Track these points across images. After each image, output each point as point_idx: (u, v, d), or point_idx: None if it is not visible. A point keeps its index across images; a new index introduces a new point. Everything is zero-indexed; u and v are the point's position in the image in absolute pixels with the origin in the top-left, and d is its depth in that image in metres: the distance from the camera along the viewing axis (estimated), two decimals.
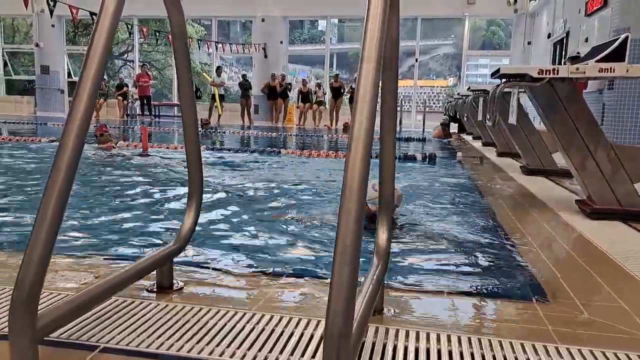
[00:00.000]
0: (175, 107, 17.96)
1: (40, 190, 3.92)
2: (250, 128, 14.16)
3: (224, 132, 12.16)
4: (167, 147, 7.81)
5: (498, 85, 3.52)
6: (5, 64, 19.84)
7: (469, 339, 1.47)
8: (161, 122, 16.65)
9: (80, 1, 12.95)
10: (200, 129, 7.63)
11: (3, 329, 1.41)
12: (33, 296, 1.10)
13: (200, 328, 1.48)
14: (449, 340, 1.45)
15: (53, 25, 18.26)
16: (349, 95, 16.15)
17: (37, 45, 18.57)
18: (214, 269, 2.09)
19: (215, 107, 16.45)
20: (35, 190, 4.01)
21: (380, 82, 1.15)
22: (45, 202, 1.14)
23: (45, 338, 1.21)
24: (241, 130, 12.98)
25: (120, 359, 1.30)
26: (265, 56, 17.80)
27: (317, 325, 1.51)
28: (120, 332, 1.43)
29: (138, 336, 1.41)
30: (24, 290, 1.09)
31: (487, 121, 4.05)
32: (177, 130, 12.48)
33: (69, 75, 19.16)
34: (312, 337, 1.45)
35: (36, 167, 5.35)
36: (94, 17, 13.28)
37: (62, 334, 1.38)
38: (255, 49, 17.85)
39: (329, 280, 1.90)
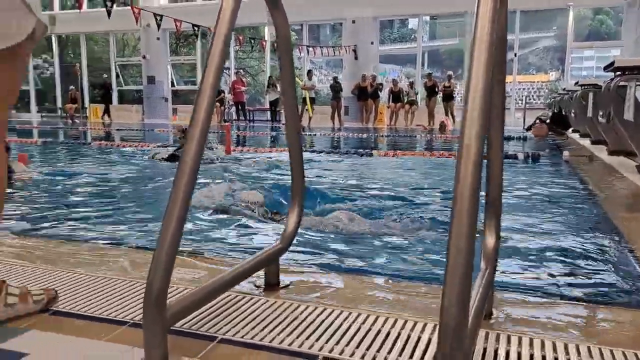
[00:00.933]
0: (268, 112, 18.57)
1: (156, 192, 4.23)
2: (341, 130, 14.30)
3: (315, 135, 12.38)
4: (255, 150, 8.08)
5: (612, 79, 3.27)
6: (117, 76, 21.62)
7: (589, 348, 1.39)
8: (255, 127, 17.32)
9: (183, 15, 13.81)
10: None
11: (136, 317, 1.55)
12: (162, 291, 1.20)
13: (308, 325, 1.53)
14: (566, 349, 1.38)
15: (158, 38, 19.63)
16: (441, 94, 15.83)
17: (144, 57, 20.06)
18: (317, 267, 2.15)
19: (306, 110, 16.79)
20: (152, 193, 4.35)
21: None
22: (171, 204, 1.23)
23: (170, 327, 1.31)
24: (332, 132, 13.15)
25: (237, 349, 1.38)
26: (356, 58, 17.88)
27: (423, 328, 1.51)
28: (235, 325, 1.51)
29: (252, 329, 1.49)
30: (155, 286, 1.19)
31: (599, 118, 3.78)
32: (269, 134, 12.91)
33: (172, 84, 20.47)
34: (419, 339, 1.44)
35: (152, 171, 5.78)
36: (195, 28, 14.20)
37: (184, 324, 1.49)
38: (346, 50, 18.00)
39: (432, 284, 1.88)
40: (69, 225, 3.07)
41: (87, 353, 1.37)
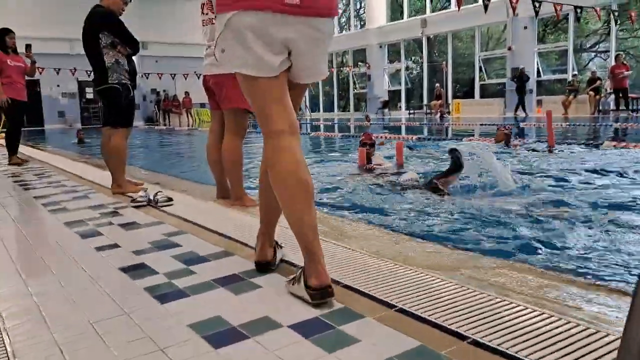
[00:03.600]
0: None
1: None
2: None
3: None
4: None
5: None
6: (480, 70, 21.61)
7: None
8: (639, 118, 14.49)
9: None
10: None
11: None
12: None
13: None
14: None
15: (525, 27, 18.60)
16: None
17: (509, 48, 19.35)
18: None
19: None
20: None
21: None
22: None
23: None
24: None
25: None
26: None
27: None
28: None
29: None
30: None
31: None
32: None
33: (538, 74, 19.12)
34: None
35: None
36: (577, 10, 12.66)
37: None
38: None
39: None
40: None
41: None
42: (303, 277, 1.61)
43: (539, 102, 18.23)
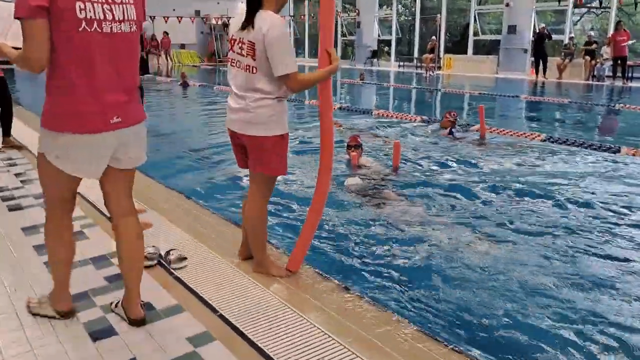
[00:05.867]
0: None
1: None
2: None
3: None
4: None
5: None
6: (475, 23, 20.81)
7: None
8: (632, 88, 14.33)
9: None
10: None
11: None
12: None
13: None
14: None
15: None
16: None
17: (507, 5, 18.60)
18: None
19: None
20: None
21: None
22: None
23: None
24: None
25: None
26: None
27: None
28: None
29: None
30: None
31: None
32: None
33: (534, 34, 18.55)
34: None
35: None
36: None
37: None
38: None
39: None
40: None
41: None
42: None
43: (533, 63, 17.76)
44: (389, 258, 3.46)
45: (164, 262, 2.99)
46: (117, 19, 1.98)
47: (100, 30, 1.94)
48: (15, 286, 2.71)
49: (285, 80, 2.50)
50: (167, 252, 3.02)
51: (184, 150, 6.83)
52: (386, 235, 3.81)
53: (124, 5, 2.01)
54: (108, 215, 2.42)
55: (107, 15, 1.94)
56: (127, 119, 2.09)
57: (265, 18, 2.46)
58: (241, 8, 2.65)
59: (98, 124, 2.00)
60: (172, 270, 2.91)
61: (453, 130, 7.37)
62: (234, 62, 2.61)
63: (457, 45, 23.41)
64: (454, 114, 7.77)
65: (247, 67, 2.53)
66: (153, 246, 3.07)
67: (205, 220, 3.73)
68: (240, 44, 2.54)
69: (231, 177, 5.34)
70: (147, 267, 2.93)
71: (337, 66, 2.57)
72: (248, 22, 2.48)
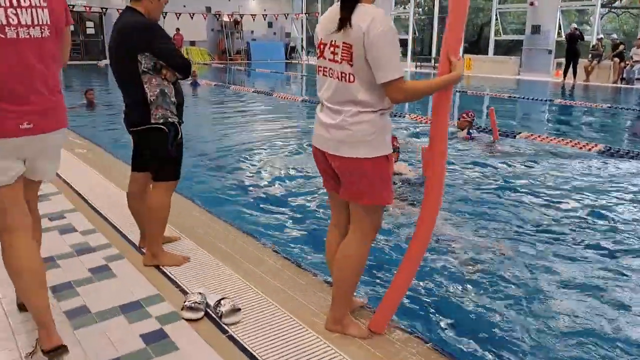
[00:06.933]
0: None
1: None
2: None
3: None
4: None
5: None
6: (495, 24, 20.17)
7: None
8: None
9: None
10: None
11: None
12: None
13: None
14: None
15: None
16: None
17: (531, 4, 17.94)
18: None
19: None
20: None
21: None
22: None
23: None
24: None
25: None
26: None
27: None
28: None
29: None
30: None
31: None
32: None
33: (559, 34, 17.86)
34: None
35: None
36: None
37: None
38: None
39: None
40: None
41: None
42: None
43: (559, 65, 17.08)
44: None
45: (212, 314, 2.39)
46: (23, 23, 1.89)
47: (3, 36, 1.86)
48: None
49: (387, 87, 1.92)
50: (218, 302, 2.41)
51: (201, 159, 6.23)
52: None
53: (34, 9, 1.92)
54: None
55: (11, 20, 1.87)
56: (38, 126, 1.98)
57: (366, 12, 1.91)
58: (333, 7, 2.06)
59: (7, 129, 1.91)
60: (225, 326, 2.32)
61: (471, 131, 7.20)
62: (325, 71, 2.06)
63: (473, 46, 22.79)
64: (471, 114, 7.44)
65: (342, 76, 1.98)
66: (200, 293, 2.47)
67: (258, 257, 3.12)
68: (332, 48, 1.99)
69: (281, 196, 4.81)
70: (190, 320, 2.35)
71: (459, 75, 1.97)
72: (344, 21, 1.91)
